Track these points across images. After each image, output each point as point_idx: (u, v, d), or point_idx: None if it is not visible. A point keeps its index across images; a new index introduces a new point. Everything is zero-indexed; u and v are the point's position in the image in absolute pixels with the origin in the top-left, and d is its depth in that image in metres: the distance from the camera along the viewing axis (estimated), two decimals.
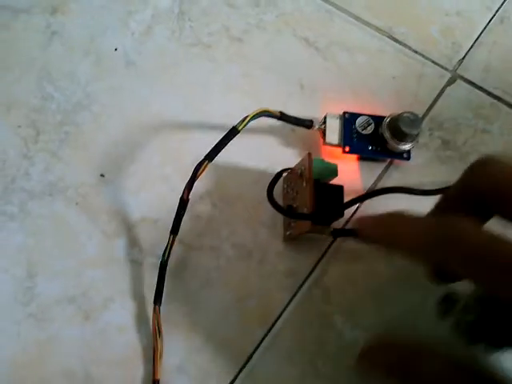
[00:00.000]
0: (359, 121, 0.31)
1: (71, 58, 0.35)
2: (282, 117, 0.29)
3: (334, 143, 0.31)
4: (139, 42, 0.35)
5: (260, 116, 0.28)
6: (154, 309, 0.28)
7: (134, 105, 0.34)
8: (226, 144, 0.27)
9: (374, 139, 0.31)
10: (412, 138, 0.30)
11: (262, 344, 0.29)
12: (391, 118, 0.30)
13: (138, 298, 0.30)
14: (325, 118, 0.31)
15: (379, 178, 0.32)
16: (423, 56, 0.34)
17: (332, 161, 0.29)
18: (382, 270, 0.30)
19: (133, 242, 0.31)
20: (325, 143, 0.31)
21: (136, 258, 0.31)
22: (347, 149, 0.31)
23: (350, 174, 0.32)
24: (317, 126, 0.31)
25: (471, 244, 0.18)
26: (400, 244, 0.20)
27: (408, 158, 0.31)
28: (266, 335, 0.29)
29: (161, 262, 0.28)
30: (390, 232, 0.20)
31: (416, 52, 0.34)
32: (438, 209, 0.23)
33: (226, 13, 0.36)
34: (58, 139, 0.33)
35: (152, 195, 0.32)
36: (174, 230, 0.28)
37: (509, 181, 0.20)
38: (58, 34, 0.36)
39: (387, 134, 0.30)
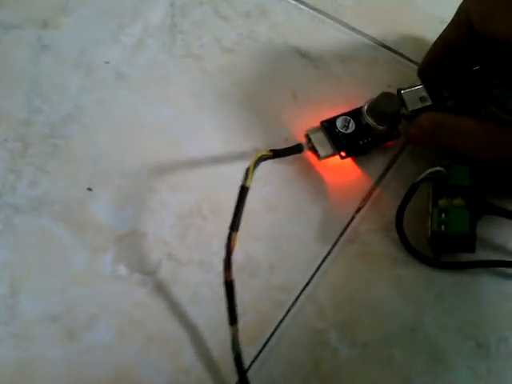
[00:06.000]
0: (338, 123, 0.29)
1: (61, 72, 0.33)
2: (275, 154, 0.27)
3: (328, 154, 0.28)
4: (130, 55, 0.33)
5: (259, 163, 0.26)
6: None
7: (124, 117, 0.32)
8: (243, 207, 0.25)
9: (361, 132, 0.28)
10: (396, 116, 0.28)
11: (254, 364, 0.26)
12: (369, 105, 0.28)
13: (124, 315, 0.27)
14: (307, 135, 0.29)
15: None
16: (418, 64, 0.31)
17: (330, 171, 0.29)
18: (377, 283, 0.27)
19: (120, 258, 0.28)
20: (320, 159, 0.28)
21: (122, 275, 0.28)
22: (343, 154, 0.28)
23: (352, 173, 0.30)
24: (306, 148, 0.28)
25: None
26: None
27: (399, 135, 0.29)
28: (258, 355, 0.26)
29: (234, 357, 0.25)
30: None
31: (410, 60, 0.32)
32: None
33: (218, 25, 0.33)
34: (45, 152, 0.31)
35: (140, 209, 0.29)
36: (232, 318, 0.25)
37: None
38: (48, 48, 0.33)
39: (371, 121, 0.28)
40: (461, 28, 0.26)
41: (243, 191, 0.25)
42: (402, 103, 0.28)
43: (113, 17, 0.34)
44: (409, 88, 0.28)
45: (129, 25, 0.34)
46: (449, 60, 0.28)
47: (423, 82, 0.28)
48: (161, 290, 0.28)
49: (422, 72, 0.29)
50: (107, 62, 0.33)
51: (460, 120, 0.26)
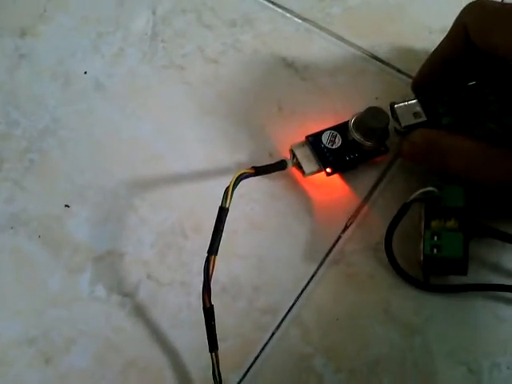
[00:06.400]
0: (324, 138, 0.27)
1: (39, 82, 0.32)
2: (257, 172, 0.25)
3: (313, 171, 0.27)
4: (110, 65, 0.32)
5: (239, 182, 0.24)
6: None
7: (103, 130, 0.30)
8: (222, 229, 0.24)
9: (347, 148, 0.27)
10: (383, 131, 0.26)
11: None
12: (355, 120, 0.27)
13: (102, 339, 0.26)
14: (291, 151, 0.27)
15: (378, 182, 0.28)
16: (407, 75, 0.30)
17: (316, 187, 0.28)
18: (365, 306, 0.26)
19: (97, 278, 0.27)
20: (305, 175, 0.27)
21: (100, 296, 0.27)
22: (329, 170, 0.27)
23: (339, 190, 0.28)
24: (290, 164, 0.27)
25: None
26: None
27: (387, 151, 0.27)
28: (240, 381, 0.25)
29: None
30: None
31: (400, 71, 0.30)
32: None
33: (201, 34, 0.32)
34: (21, 167, 0.30)
35: (119, 227, 0.28)
36: (212, 345, 0.24)
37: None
38: (26, 57, 0.32)
39: (357, 137, 0.26)
40: (458, 41, 0.25)
41: (222, 212, 0.23)
42: (395, 118, 0.27)
43: (92, 25, 0.33)
44: (402, 102, 0.26)
45: (109, 33, 0.32)
46: (444, 74, 0.26)
47: (417, 97, 0.27)
48: (140, 312, 0.26)
49: (417, 86, 0.28)
50: (85, 72, 0.32)
51: (455, 139, 0.25)
